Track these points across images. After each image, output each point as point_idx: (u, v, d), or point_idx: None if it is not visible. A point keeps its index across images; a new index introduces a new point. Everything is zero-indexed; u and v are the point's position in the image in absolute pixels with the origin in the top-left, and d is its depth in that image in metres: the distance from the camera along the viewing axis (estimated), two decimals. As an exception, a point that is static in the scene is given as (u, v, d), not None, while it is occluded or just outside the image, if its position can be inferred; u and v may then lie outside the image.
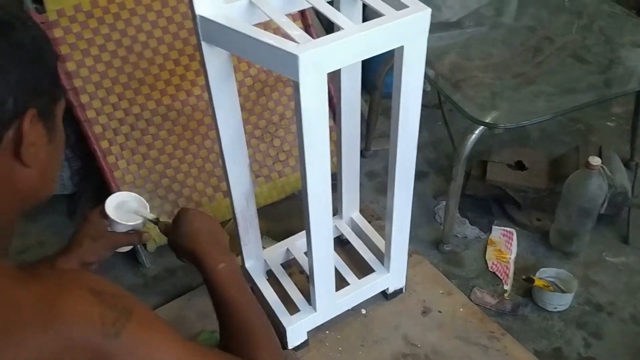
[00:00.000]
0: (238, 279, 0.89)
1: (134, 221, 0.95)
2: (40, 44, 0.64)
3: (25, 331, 0.54)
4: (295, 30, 0.94)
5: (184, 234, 0.90)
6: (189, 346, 0.67)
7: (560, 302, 1.50)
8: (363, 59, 1.01)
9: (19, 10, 0.64)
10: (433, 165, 1.95)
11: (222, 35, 0.98)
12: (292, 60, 0.90)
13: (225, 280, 0.86)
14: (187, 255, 0.91)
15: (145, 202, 0.98)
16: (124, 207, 0.97)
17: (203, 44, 1.03)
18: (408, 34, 1.00)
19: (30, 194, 0.67)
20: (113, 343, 0.58)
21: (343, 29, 0.96)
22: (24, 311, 0.55)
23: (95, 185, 1.66)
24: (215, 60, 1.06)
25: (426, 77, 1.35)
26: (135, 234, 0.96)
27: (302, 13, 1.69)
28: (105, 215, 0.93)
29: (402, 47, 1.02)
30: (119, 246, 0.96)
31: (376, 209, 1.78)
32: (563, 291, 1.52)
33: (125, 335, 0.59)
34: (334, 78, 1.34)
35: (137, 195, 0.99)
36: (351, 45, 0.95)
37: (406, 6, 1.00)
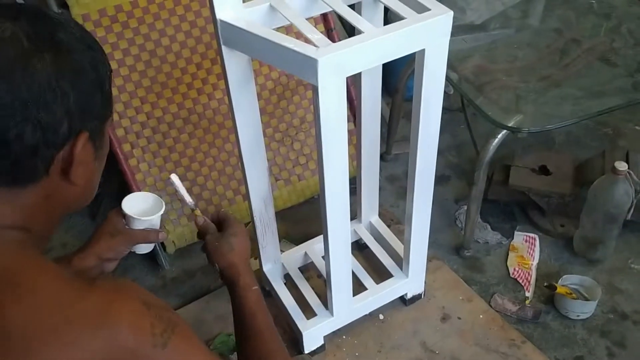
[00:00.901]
0: (264, 304, 0.97)
1: (149, 216, 0.96)
2: (98, 67, 0.65)
3: (80, 334, 0.56)
4: (315, 34, 0.94)
5: (232, 244, 0.98)
6: None
7: (584, 310, 1.46)
8: (383, 62, 1.00)
9: (83, 31, 0.65)
10: (455, 169, 1.93)
11: (242, 39, 0.99)
12: (311, 64, 0.90)
13: (255, 303, 0.95)
14: (225, 267, 0.98)
15: (162, 201, 0.99)
16: (141, 205, 0.98)
17: (223, 48, 1.03)
18: (429, 37, 0.99)
19: (73, 205, 0.71)
20: (160, 353, 0.61)
21: (363, 32, 0.95)
22: (80, 315, 0.57)
23: (117, 187, 1.68)
24: (236, 65, 1.06)
25: (449, 80, 1.34)
26: (152, 231, 0.97)
27: (325, 17, 1.69)
28: (122, 213, 0.95)
29: (423, 51, 1.01)
30: (136, 242, 0.96)
31: (396, 213, 1.77)
32: (586, 299, 1.49)
33: (171, 346, 0.61)
34: (355, 81, 1.34)
35: (154, 194, 1.00)
36: (371, 49, 0.94)
37: (428, 9, 0.99)
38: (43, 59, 0.59)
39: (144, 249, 1.01)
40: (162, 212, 0.97)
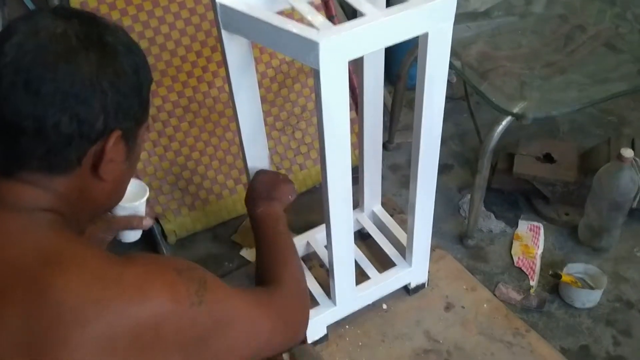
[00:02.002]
0: (272, 222, 1.07)
1: (132, 202, 0.94)
2: (139, 72, 0.69)
3: (124, 303, 0.61)
4: (316, 16, 0.92)
5: (250, 183, 1.16)
6: (245, 296, 0.79)
7: (589, 298, 1.45)
8: (386, 46, 0.98)
9: (129, 39, 0.70)
10: (458, 158, 1.91)
11: (242, 23, 0.97)
12: (312, 47, 0.88)
13: (260, 221, 1.06)
14: (245, 203, 1.13)
15: (146, 187, 0.97)
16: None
17: (223, 32, 1.01)
18: (433, 20, 0.97)
19: (102, 204, 0.74)
20: (198, 310, 0.66)
21: (365, 14, 0.93)
22: (123, 286, 0.62)
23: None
24: (236, 49, 1.05)
25: (452, 67, 1.32)
26: (135, 217, 0.95)
27: (326, 3, 1.66)
28: None
29: (426, 34, 0.99)
30: (118, 229, 0.95)
31: (398, 202, 1.75)
32: (592, 287, 1.47)
33: (207, 301, 0.67)
34: (357, 69, 1.32)
35: (138, 180, 0.97)
36: (373, 32, 0.92)
37: (431, -8, 0.97)
38: (88, 58, 0.63)
39: (130, 236, 0.98)
40: (145, 198, 0.95)
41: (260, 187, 1.12)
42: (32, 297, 0.59)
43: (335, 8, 1.71)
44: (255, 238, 1.07)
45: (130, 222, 0.95)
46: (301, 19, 0.95)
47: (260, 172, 1.18)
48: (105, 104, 0.65)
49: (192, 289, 0.66)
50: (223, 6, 0.97)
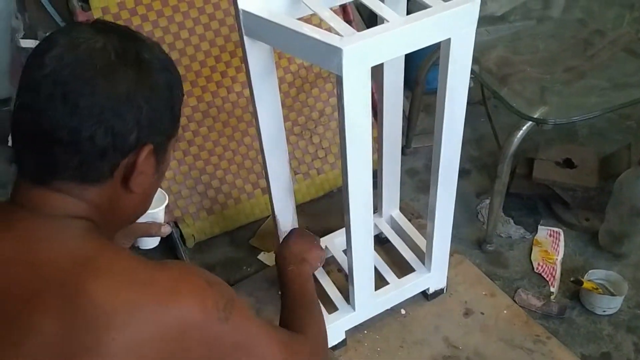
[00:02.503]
0: (302, 281, 1.12)
1: (151, 210, 0.94)
2: (173, 89, 0.71)
3: (154, 306, 0.62)
4: (339, 23, 0.92)
5: (284, 240, 1.23)
6: (268, 328, 0.80)
7: (610, 305, 1.43)
8: (408, 52, 0.98)
9: (165, 55, 0.72)
10: (475, 163, 1.90)
11: (264, 29, 0.97)
12: (335, 53, 0.88)
13: (290, 280, 1.12)
14: (276, 259, 1.21)
15: (165, 193, 0.97)
16: None
17: (245, 38, 1.02)
18: (456, 26, 0.97)
19: (129, 215, 0.76)
20: (223, 326, 0.68)
21: (388, 21, 0.93)
22: (154, 293, 0.63)
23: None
24: (257, 55, 1.05)
25: (471, 72, 1.31)
26: (154, 224, 0.97)
27: (344, 9, 1.67)
28: None
29: (448, 40, 0.99)
30: (137, 236, 0.96)
31: (416, 207, 1.75)
32: (613, 294, 1.46)
33: (233, 319, 0.69)
34: (376, 73, 1.32)
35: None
36: (397, 38, 0.92)
37: (453, -3, 0.97)
38: (125, 73, 0.65)
39: (148, 243, 0.99)
40: (164, 205, 0.96)
41: (295, 247, 1.20)
42: (65, 302, 0.60)
43: (353, 14, 1.71)
44: (283, 293, 1.12)
45: (149, 229, 0.96)
46: (319, 25, 0.95)
47: (297, 232, 1.25)
48: (139, 118, 0.66)
49: (220, 304, 0.67)
50: (246, 13, 0.98)
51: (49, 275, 0.62)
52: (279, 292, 1.48)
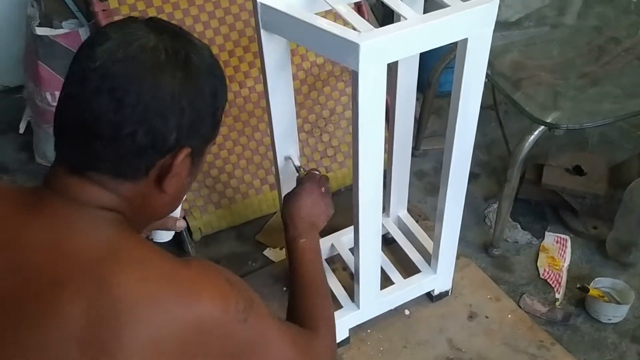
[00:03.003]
0: (313, 255, 1.05)
1: None
2: (217, 95, 0.71)
3: (176, 301, 0.63)
4: (357, 18, 0.93)
5: (293, 200, 1.09)
6: (283, 329, 0.81)
7: (615, 313, 1.43)
8: (425, 50, 0.98)
9: (214, 60, 0.72)
10: (485, 167, 1.90)
11: (282, 22, 0.97)
12: (352, 48, 0.88)
13: (302, 253, 1.04)
14: (284, 217, 1.09)
15: None
16: None
17: (262, 31, 1.02)
18: (473, 25, 0.97)
19: (158, 214, 0.76)
20: (241, 326, 0.68)
21: (406, 19, 0.93)
22: (177, 287, 0.64)
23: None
24: (274, 49, 1.05)
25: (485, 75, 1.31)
26: (170, 218, 0.97)
27: (359, 8, 1.67)
28: None
29: (465, 40, 0.99)
30: (153, 228, 0.97)
31: (424, 209, 1.74)
32: (618, 302, 1.45)
33: (250, 320, 0.69)
34: (390, 74, 1.31)
35: None
36: (414, 36, 0.92)
37: (471, -2, 0.97)
38: (173, 75, 0.65)
39: (163, 236, 1.00)
40: (182, 199, 0.96)
41: (304, 211, 1.08)
42: (92, 291, 0.60)
43: (368, 12, 1.71)
44: (291, 265, 1.05)
45: (166, 222, 0.97)
46: (338, 20, 0.95)
47: (306, 190, 1.10)
48: (181, 121, 0.66)
49: (240, 304, 0.68)
50: (264, 6, 0.98)
51: (77, 264, 0.62)
52: (285, 288, 1.48)
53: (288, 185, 1.28)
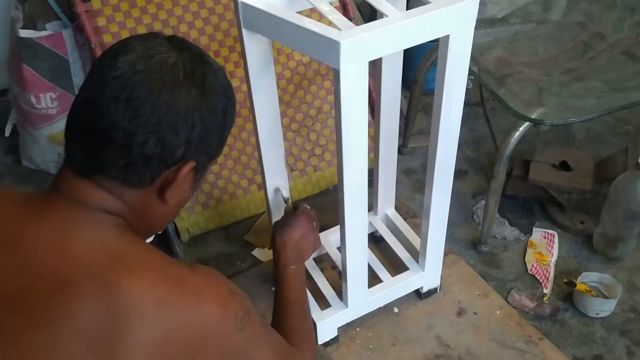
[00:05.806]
0: (301, 282, 1.15)
1: None
2: (227, 114, 0.75)
3: (182, 306, 0.65)
4: (338, 17, 0.92)
5: (287, 231, 1.18)
6: (274, 340, 0.87)
7: (603, 308, 1.44)
8: (406, 47, 0.98)
9: (227, 82, 0.75)
10: (472, 164, 1.90)
11: (263, 21, 0.97)
12: (333, 46, 0.88)
13: (291, 280, 1.13)
14: (274, 244, 1.18)
15: None
16: None
17: (244, 31, 1.01)
18: (454, 22, 0.97)
19: (157, 223, 0.78)
20: (238, 335, 0.71)
21: (387, 16, 0.93)
22: (184, 290, 0.66)
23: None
24: (256, 48, 1.05)
25: (470, 72, 1.32)
26: None
27: (344, 6, 1.67)
28: None
29: (447, 37, 0.99)
30: None
31: (412, 206, 1.75)
32: (606, 297, 1.46)
33: (247, 330, 0.72)
34: (374, 71, 1.32)
35: None
36: (395, 33, 0.92)
37: (453, -6, 0.97)
38: (189, 92, 0.69)
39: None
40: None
41: (295, 241, 1.18)
42: (99, 293, 0.62)
43: (354, 11, 1.71)
44: (279, 288, 1.14)
45: None
46: (319, 20, 0.95)
47: (299, 222, 1.20)
48: (191, 136, 0.69)
49: (239, 314, 0.71)
50: (245, 4, 0.98)
51: (84, 266, 0.64)
52: (272, 288, 1.48)
53: (275, 185, 1.28)
